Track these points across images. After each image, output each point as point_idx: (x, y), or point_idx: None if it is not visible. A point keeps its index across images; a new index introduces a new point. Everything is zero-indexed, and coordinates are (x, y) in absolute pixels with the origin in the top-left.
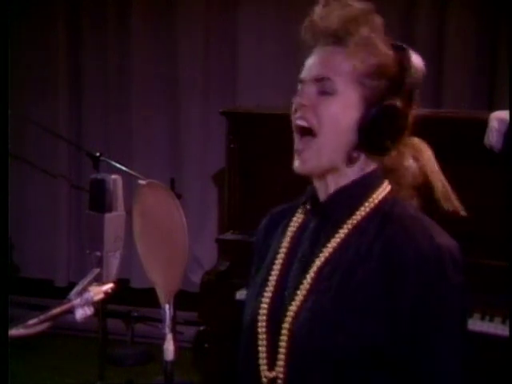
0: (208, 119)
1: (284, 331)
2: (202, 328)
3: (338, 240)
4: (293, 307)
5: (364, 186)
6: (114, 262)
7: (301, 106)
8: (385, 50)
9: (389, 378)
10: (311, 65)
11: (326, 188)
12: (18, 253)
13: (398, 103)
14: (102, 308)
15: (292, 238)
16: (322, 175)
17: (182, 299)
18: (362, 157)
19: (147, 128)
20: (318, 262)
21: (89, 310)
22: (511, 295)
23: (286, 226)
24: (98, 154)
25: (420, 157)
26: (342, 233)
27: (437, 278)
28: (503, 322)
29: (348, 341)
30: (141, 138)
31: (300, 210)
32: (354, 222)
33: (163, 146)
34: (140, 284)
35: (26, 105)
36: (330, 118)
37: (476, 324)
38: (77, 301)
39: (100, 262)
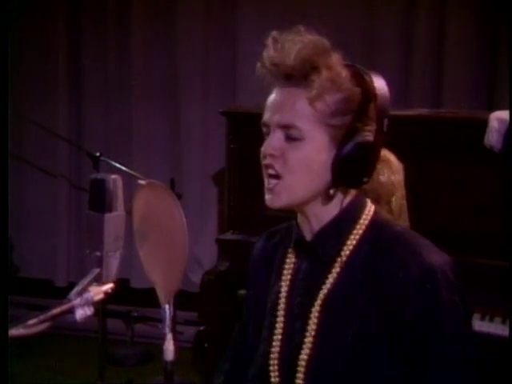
0: (208, 119)
1: (300, 375)
2: (202, 328)
3: (331, 280)
4: (303, 357)
5: (347, 219)
6: (113, 262)
7: (268, 156)
8: (346, 85)
9: None
10: (274, 109)
11: (309, 226)
12: (17, 253)
13: (368, 137)
14: (102, 308)
15: (290, 280)
16: (300, 211)
17: (182, 299)
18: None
19: (147, 128)
20: (316, 307)
21: (89, 310)
22: (511, 295)
23: (283, 262)
24: (98, 154)
25: (393, 174)
26: (335, 272)
27: (432, 302)
28: (503, 322)
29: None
30: (141, 138)
31: (290, 250)
32: (344, 258)
33: (163, 146)
34: (140, 284)
35: (26, 105)
36: (299, 163)
37: (476, 324)
38: (77, 301)
39: (100, 262)
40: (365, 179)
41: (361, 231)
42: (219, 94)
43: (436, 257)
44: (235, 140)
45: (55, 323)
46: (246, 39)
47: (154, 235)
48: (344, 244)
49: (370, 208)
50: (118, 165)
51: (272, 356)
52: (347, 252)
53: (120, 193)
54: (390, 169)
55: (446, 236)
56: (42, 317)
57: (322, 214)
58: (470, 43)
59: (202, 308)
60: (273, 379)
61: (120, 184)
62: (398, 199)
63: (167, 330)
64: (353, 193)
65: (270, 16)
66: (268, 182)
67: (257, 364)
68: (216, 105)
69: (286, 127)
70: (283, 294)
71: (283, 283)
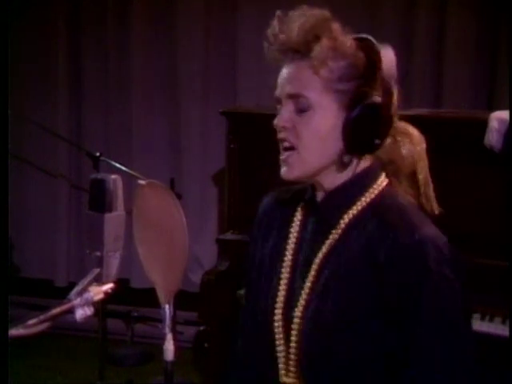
0: (208, 119)
1: (293, 338)
2: (202, 328)
3: (332, 241)
4: (297, 314)
5: (358, 184)
6: (113, 262)
7: (281, 129)
8: (350, 50)
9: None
10: (282, 82)
11: (322, 189)
12: (18, 253)
13: (376, 98)
14: (102, 308)
15: (296, 238)
16: (315, 177)
17: (182, 299)
18: (355, 157)
19: (147, 128)
20: (314, 266)
21: (89, 310)
22: (511, 295)
23: (289, 221)
24: (98, 154)
25: (414, 146)
26: (336, 233)
27: (419, 272)
28: (503, 322)
29: (351, 347)
30: (141, 138)
31: (300, 208)
32: (346, 220)
33: (163, 146)
34: (140, 284)
35: (26, 105)
36: (311, 134)
37: (476, 324)
38: (77, 301)
39: (100, 262)
40: (377, 141)
41: (368, 199)
42: (219, 94)
43: (431, 231)
44: (235, 140)
45: (55, 323)
46: (246, 39)
47: (154, 235)
48: (349, 208)
49: (382, 179)
50: (118, 165)
51: (276, 312)
52: (350, 215)
53: (120, 193)
54: (411, 141)
55: (446, 236)
56: (42, 317)
57: (336, 180)
58: (469, 43)
59: (202, 308)
60: (277, 335)
61: (120, 184)
62: (421, 172)
63: (167, 329)
64: (368, 160)
65: (269, 16)
66: (282, 154)
67: (257, 318)
68: (216, 105)
69: (294, 97)
70: (289, 252)
71: (290, 241)
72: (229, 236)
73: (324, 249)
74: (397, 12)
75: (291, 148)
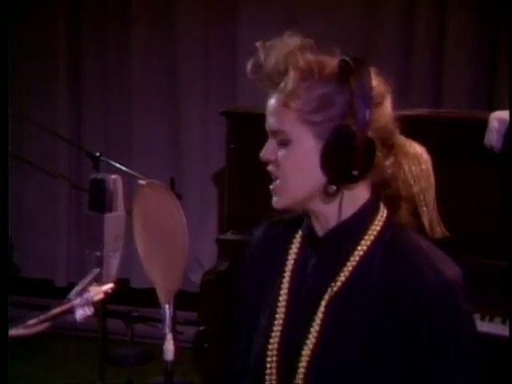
0: (208, 119)
1: (300, 375)
2: (202, 328)
3: (343, 279)
4: (306, 351)
5: (363, 218)
6: (114, 262)
7: (266, 161)
8: (323, 79)
9: None
10: (267, 116)
11: (318, 223)
12: (18, 253)
13: (351, 127)
14: (102, 308)
15: (293, 272)
16: (308, 210)
17: (182, 299)
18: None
19: (147, 128)
20: (324, 304)
21: (89, 310)
22: (511, 295)
23: (285, 253)
24: (98, 154)
25: (417, 166)
26: (347, 271)
27: (449, 313)
28: (503, 322)
29: None
30: (141, 137)
31: (297, 241)
32: (357, 258)
33: (163, 146)
34: (140, 284)
35: (26, 105)
36: (291, 168)
37: (476, 324)
38: (77, 301)
39: (100, 262)
40: (354, 172)
41: (375, 233)
42: (219, 94)
43: (452, 269)
44: (235, 140)
45: (55, 323)
46: (246, 39)
47: (154, 235)
48: (358, 244)
49: (383, 211)
50: (118, 165)
51: (269, 353)
52: (361, 252)
53: (120, 193)
54: (412, 160)
55: (446, 236)
56: (42, 317)
57: (330, 213)
58: (470, 43)
59: (202, 308)
60: (267, 377)
61: (120, 184)
62: (428, 191)
63: (167, 329)
64: (366, 191)
65: (269, 16)
66: (271, 185)
67: (252, 359)
68: (216, 105)
69: (275, 133)
70: (285, 286)
71: (286, 275)
72: (229, 236)
73: (335, 287)
74: (397, 12)
75: (276, 179)
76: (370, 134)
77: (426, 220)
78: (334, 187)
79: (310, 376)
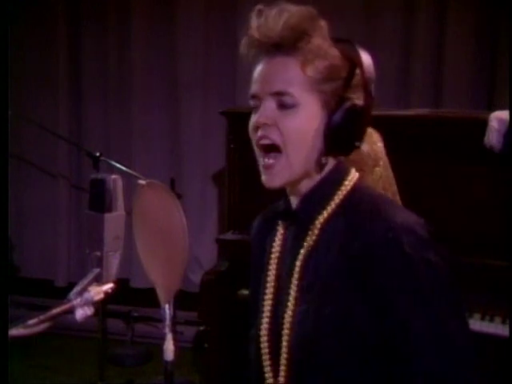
0: (208, 119)
1: (284, 343)
2: (201, 328)
3: (308, 247)
4: (286, 323)
5: (331, 183)
6: (113, 262)
7: (263, 125)
8: (333, 51)
9: (385, 370)
10: (264, 78)
11: (298, 196)
12: (17, 253)
13: (358, 102)
14: (102, 308)
15: (279, 251)
16: (294, 184)
17: (182, 299)
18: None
19: (147, 128)
20: (295, 275)
21: (89, 310)
22: (511, 295)
23: (273, 236)
24: (98, 154)
25: (372, 144)
26: (310, 239)
27: (397, 260)
28: (503, 322)
29: (339, 346)
30: (141, 138)
31: (279, 225)
32: (322, 220)
33: (163, 146)
34: (140, 284)
35: (26, 105)
36: (294, 132)
37: (476, 324)
38: (77, 301)
39: (100, 262)
40: (357, 143)
41: (341, 196)
42: (219, 94)
43: (403, 215)
44: (235, 140)
45: (55, 323)
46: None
47: (154, 235)
48: (324, 208)
49: (353, 174)
50: (118, 165)
51: (262, 327)
52: (325, 215)
53: (120, 193)
54: (371, 138)
55: (446, 236)
56: (41, 317)
57: (311, 183)
58: (469, 43)
59: (202, 308)
60: (263, 350)
61: (120, 184)
62: (382, 168)
63: (167, 329)
64: (337, 159)
65: None
66: (265, 160)
67: (251, 332)
68: (216, 105)
69: (278, 94)
70: (273, 266)
71: (273, 255)
72: (229, 236)
73: (301, 256)
74: (397, 12)
75: (274, 147)
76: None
77: (386, 192)
78: (326, 158)
79: (292, 348)
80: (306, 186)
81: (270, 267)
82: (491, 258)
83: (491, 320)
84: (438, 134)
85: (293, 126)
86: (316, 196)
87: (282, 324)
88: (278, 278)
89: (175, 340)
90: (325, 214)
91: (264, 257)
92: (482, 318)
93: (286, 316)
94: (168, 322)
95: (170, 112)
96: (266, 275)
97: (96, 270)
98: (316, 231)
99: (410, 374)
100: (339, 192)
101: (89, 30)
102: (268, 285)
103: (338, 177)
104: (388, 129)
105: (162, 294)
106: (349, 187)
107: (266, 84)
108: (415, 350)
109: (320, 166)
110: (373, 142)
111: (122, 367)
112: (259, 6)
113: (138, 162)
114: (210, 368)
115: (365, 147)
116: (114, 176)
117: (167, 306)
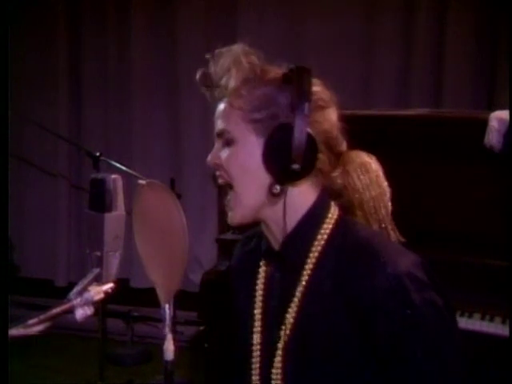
0: (208, 119)
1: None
2: (201, 328)
3: (302, 289)
4: (276, 365)
5: (311, 223)
6: (113, 262)
7: (213, 165)
8: (265, 80)
9: None
10: (215, 120)
11: (273, 234)
12: (17, 253)
13: (288, 120)
14: (102, 308)
15: (264, 289)
16: (261, 220)
17: (182, 299)
18: (292, 189)
19: (147, 128)
20: (289, 319)
21: (89, 310)
22: (511, 295)
23: (255, 272)
24: (98, 154)
25: (368, 174)
26: (304, 280)
27: (402, 309)
28: (503, 322)
29: None
30: (141, 137)
31: (262, 262)
32: (311, 266)
33: (163, 146)
34: (140, 284)
35: (26, 105)
36: (236, 168)
37: (476, 324)
38: (77, 301)
39: (100, 262)
40: (295, 166)
41: (325, 236)
42: None
43: (402, 260)
44: None
45: (55, 323)
46: (247, 39)
47: (154, 235)
48: (310, 251)
49: (334, 210)
50: (118, 165)
51: (253, 366)
52: (313, 259)
53: (120, 193)
54: (365, 169)
55: (446, 236)
56: (42, 317)
57: (280, 219)
58: (470, 43)
59: (202, 308)
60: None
61: (120, 184)
62: (382, 199)
63: (167, 329)
64: (313, 193)
65: (270, 16)
66: (226, 198)
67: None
68: (216, 105)
69: (220, 134)
70: (258, 304)
71: (257, 293)
72: (229, 236)
73: (296, 298)
74: (397, 12)
75: (226, 185)
76: (311, 132)
77: (376, 227)
78: (279, 187)
79: (285, 379)
80: (278, 223)
81: (256, 305)
82: (491, 258)
83: (491, 320)
84: (438, 133)
85: (234, 162)
86: (298, 239)
87: (273, 362)
88: (264, 316)
89: (175, 340)
90: (313, 257)
91: (242, 291)
92: (482, 318)
93: (278, 353)
94: (168, 321)
95: (170, 112)
96: (252, 312)
97: (96, 270)
98: (308, 273)
99: None
100: (322, 231)
101: (89, 30)
102: (256, 324)
103: (318, 215)
104: (388, 129)
105: (161, 294)
106: (331, 225)
107: (215, 126)
108: None
109: (274, 196)
110: (367, 173)
111: (121, 367)
112: (208, 55)
113: (138, 162)
114: (210, 368)
115: (356, 179)
116: (113, 176)
117: (167, 305)
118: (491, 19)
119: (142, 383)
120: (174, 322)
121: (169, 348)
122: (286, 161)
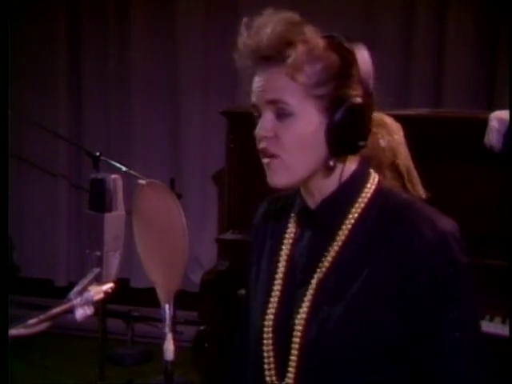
0: (208, 119)
1: (294, 345)
2: (202, 328)
3: (336, 248)
4: (300, 320)
5: (352, 187)
6: (113, 262)
7: (264, 138)
8: (324, 52)
9: (402, 376)
10: (259, 90)
11: (312, 197)
12: (17, 253)
13: (357, 100)
14: (102, 308)
15: (290, 249)
16: (303, 186)
17: (182, 299)
18: (340, 160)
19: (147, 128)
20: (319, 274)
21: (89, 310)
22: (511, 295)
23: (281, 233)
24: (98, 154)
25: (391, 135)
26: (339, 240)
27: (447, 265)
28: (503, 322)
29: (362, 347)
30: (141, 138)
31: (292, 219)
32: (349, 226)
33: (163, 146)
34: (140, 284)
35: (26, 105)
36: (294, 141)
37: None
38: (77, 300)
39: (100, 262)
40: (361, 143)
41: (366, 200)
42: (219, 94)
43: (446, 220)
44: (235, 140)
45: (55, 323)
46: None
47: (154, 235)
48: (349, 212)
49: (374, 177)
50: (118, 165)
51: (268, 318)
52: (352, 220)
53: (120, 193)
54: (388, 131)
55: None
56: (42, 317)
57: (325, 186)
58: (469, 43)
59: (202, 308)
60: (265, 347)
61: (120, 184)
62: (402, 160)
63: (167, 329)
64: (354, 161)
65: None
66: (264, 160)
67: (251, 332)
68: (216, 105)
69: (274, 102)
70: (282, 263)
71: (284, 248)
72: (229, 236)
73: (329, 257)
74: (397, 12)
75: (273, 156)
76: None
77: (408, 184)
78: (334, 160)
79: (305, 348)
80: (320, 187)
81: (280, 264)
82: (491, 258)
83: (491, 320)
84: (438, 133)
85: (291, 136)
86: (337, 201)
87: (293, 324)
88: (288, 273)
89: (175, 340)
90: (351, 218)
91: (265, 245)
92: (482, 318)
93: (300, 316)
94: (168, 321)
95: (170, 112)
96: (274, 269)
97: (96, 270)
98: (345, 233)
99: (434, 374)
100: (363, 195)
101: (89, 30)
102: (276, 282)
103: (358, 181)
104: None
105: (161, 294)
106: (372, 190)
107: (262, 93)
108: (442, 352)
109: (329, 169)
110: (389, 135)
111: (121, 367)
112: (245, 20)
113: (138, 162)
114: (210, 368)
115: (382, 141)
116: (113, 176)
117: (167, 305)
118: (491, 19)
119: (142, 383)
120: (174, 321)
121: (169, 348)
122: (353, 138)
